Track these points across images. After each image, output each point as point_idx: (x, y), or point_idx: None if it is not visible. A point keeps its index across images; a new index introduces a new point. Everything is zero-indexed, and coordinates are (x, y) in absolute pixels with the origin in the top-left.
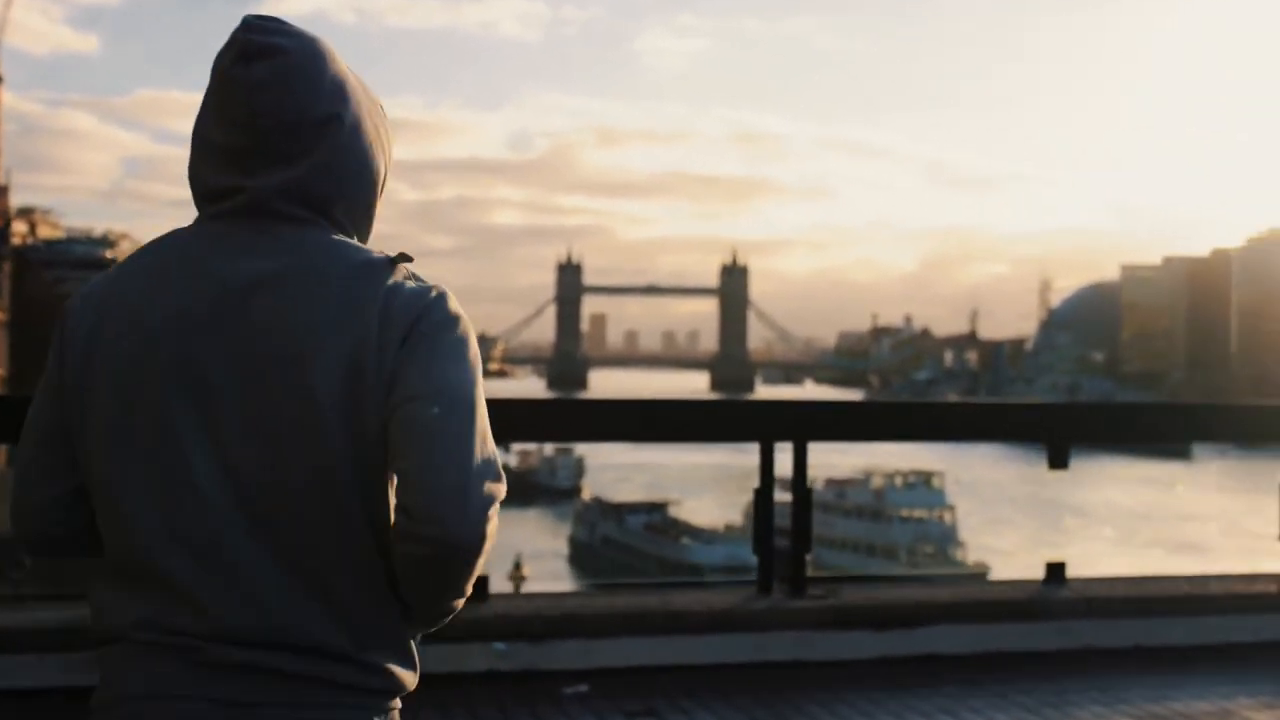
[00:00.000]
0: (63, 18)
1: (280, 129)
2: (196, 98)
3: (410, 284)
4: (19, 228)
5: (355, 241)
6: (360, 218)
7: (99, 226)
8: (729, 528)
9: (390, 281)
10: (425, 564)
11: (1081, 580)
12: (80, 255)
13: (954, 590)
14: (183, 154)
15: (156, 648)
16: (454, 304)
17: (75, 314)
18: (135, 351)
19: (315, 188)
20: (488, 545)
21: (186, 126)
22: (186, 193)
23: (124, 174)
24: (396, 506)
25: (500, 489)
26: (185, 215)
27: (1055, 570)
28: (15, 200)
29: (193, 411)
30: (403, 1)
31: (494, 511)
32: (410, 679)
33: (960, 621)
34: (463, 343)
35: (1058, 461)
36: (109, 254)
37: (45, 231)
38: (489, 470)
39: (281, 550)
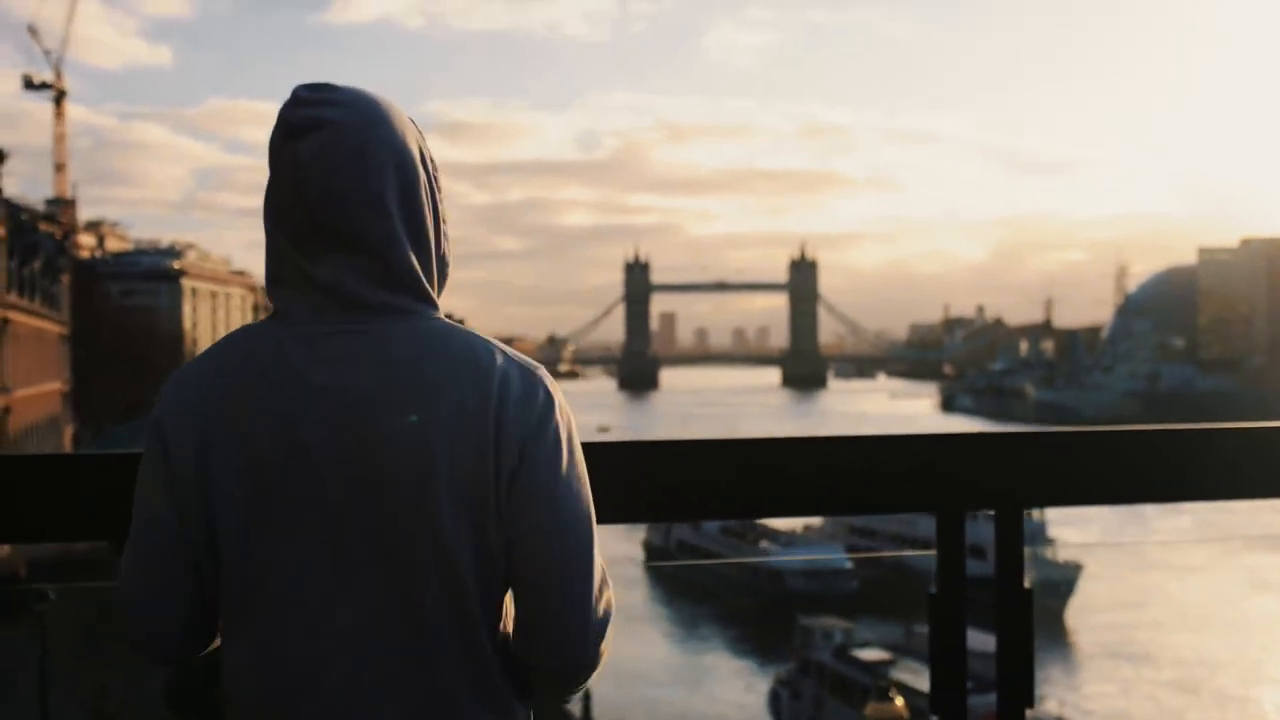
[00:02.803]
0: (135, 30)
1: (332, 206)
2: (265, 106)
3: (515, 378)
4: (88, 240)
5: (449, 323)
6: (437, 277)
7: (170, 238)
8: (808, 528)
9: (498, 377)
10: (542, 680)
11: None
12: (147, 267)
13: None
14: (252, 163)
15: None
16: (559, 402)
17: (174, 431)
18: (252, 479)
19: (390, 267)
20: (603, 661)
21: (256, 135)
22: (255, 202)
23: (195, 185)
24: (517, 627)
25: (611, 598)
26: (254, 224)
27: None
28: (87, 213)
29: (317, 535)
30: (468, 4)
31: (610, 629)
32: None
33: None
34: (574, 453)
35: None
36: (175, 264)
37: (114, 244)
38: (603, 588)
39: (402, 674)
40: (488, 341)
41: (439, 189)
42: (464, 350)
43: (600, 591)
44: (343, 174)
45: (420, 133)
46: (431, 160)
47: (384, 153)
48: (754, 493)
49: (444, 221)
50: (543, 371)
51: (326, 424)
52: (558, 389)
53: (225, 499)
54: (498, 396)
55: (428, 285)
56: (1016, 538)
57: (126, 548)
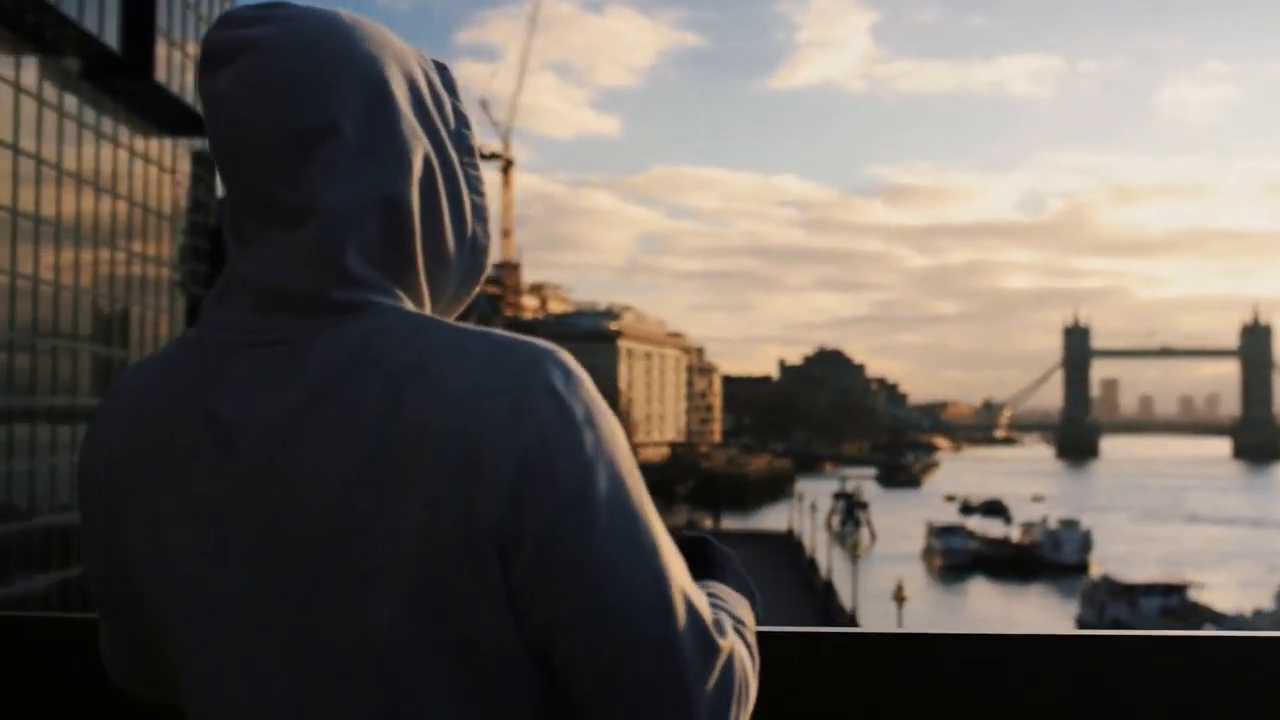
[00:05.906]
0: (586, 101)
1: (255, 153)
2: (710, 172)
3: (499, 382)
4: (531, 302)
5: (412, 315)
6: (456, 266)
7: (610, 300)
8: (1258, 613)
9: (467, 387)
10: None
11: None
12: (586, 328)
13: None
14: (696, 228)
15: None
16: (582, 406)
17: (85, 474)
18: (156, 546)
19: (336, 247)
20: None
21: (697, 200)
22: (697, 265)
23: (640, 249)
24: None
25: (745, 676)
26: (694, 288)
27: None
28: (535, 276)
29: (227, 628)
30: (912, 65)
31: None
32: None
33: None
34: (616, 487)
35: None
36: (613, 325)
37: (555, 306)
38: (710, 672)
39: None
40: (461, 332)
41: (467, 149)
42: (418, 355)
43: (705, 679)
44: (274, 103)
45: (427, 63)
46: (445, 102)
47: (331, 79)
48: None
49: (471, 191)
50: (555, 359)
51: (224, 474)
52: (582, 380)
53: (137, 565)
54: (467, 418)
55: (400, 270)
56: None
57: None
